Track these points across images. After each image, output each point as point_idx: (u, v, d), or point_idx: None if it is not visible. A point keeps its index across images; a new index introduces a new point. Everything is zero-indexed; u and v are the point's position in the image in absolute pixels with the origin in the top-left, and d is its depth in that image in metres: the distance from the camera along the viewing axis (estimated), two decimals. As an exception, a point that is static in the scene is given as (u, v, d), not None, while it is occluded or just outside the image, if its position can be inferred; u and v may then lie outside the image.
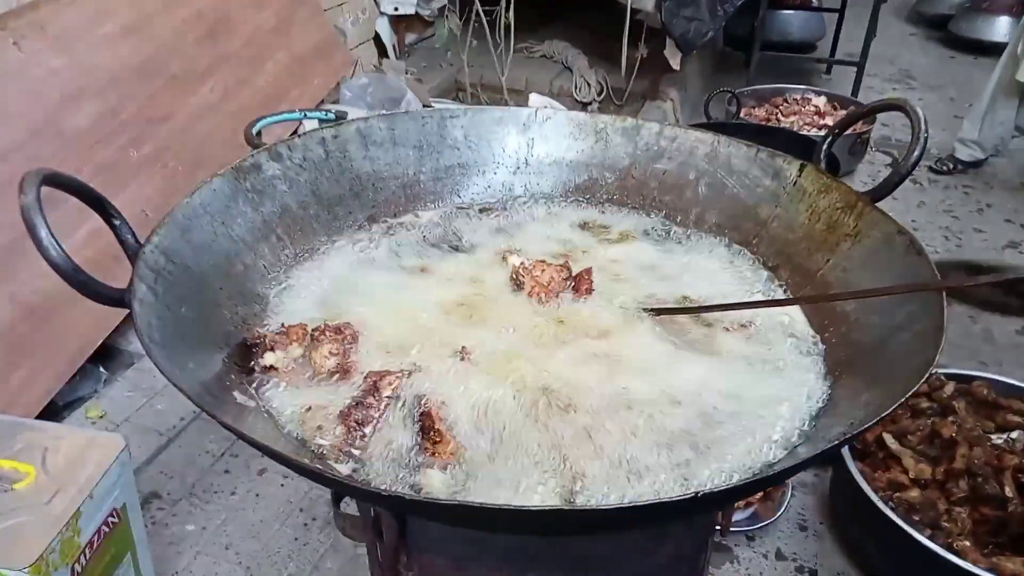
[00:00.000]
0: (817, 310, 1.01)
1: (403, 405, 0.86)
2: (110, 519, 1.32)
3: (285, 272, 1.07)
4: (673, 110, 4.03)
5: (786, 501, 2.02)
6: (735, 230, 1.18)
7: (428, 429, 0.82)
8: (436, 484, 0.78)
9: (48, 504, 1.23)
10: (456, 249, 1.15)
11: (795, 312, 1.04)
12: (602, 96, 4.10)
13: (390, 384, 0.86)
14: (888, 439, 1.86)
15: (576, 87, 4.07)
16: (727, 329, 1.00)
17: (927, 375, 0.71)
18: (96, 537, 1.28)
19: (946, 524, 1.69)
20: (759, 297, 1.07)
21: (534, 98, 3.31)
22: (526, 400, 0.86)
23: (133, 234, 0.89)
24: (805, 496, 2.10)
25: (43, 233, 0.74)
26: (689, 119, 3.98)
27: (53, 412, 1.93)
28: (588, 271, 1.05)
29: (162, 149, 2.13)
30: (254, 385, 0.88)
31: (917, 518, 1.70)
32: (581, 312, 1.00)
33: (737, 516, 2.01)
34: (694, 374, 0.92)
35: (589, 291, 1.03)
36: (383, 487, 0.60)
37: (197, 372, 0.81)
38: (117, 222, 0.88)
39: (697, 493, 0.58)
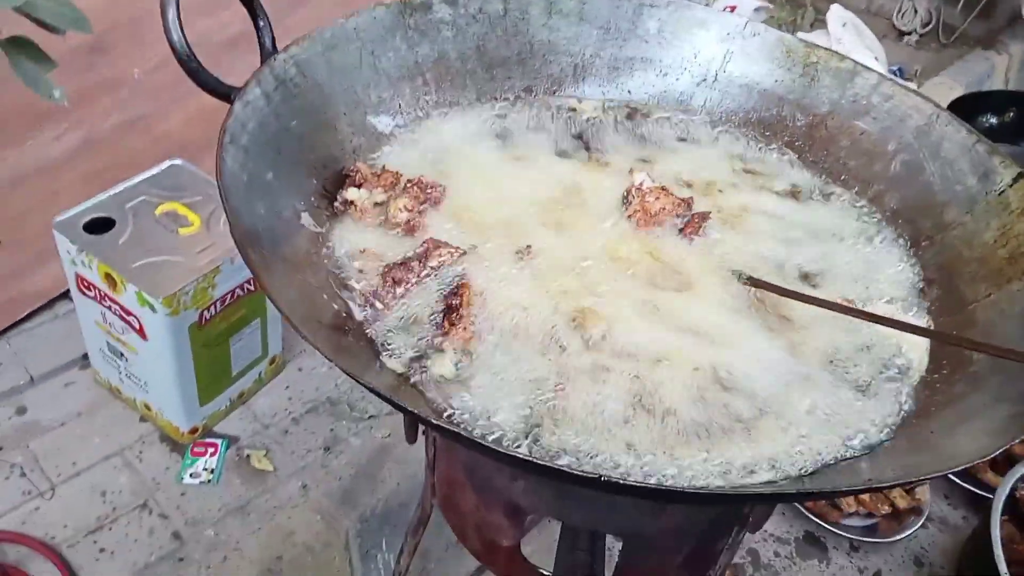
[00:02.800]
0: (943, 344, 0.85)
1: (443, 280, 0.85)
2: (247, 285, 1.48)
3: (416, 118, 1.07)
4: (1006, 67, 3.39)
5: (914, 528, 1.81)
6: (909, 224, 1.00)
7: (453, 309, 0.82)
8: (441, 368, 0.78)
9: (198, 254, 1.41)
10: (590, 148, 1.08)
11: (924, 341, 0.87)
12: (927, 28, 3.53)
13: (439, 256, 0.86)
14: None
15: (900, 11, 3.53)
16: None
17: (959, 466, 0.57)
18: (229, 296, 1.45)
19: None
20: (894, 309, 0.91)
21: (835, 9, 2.93)
22: (560, 322, 0.82)
23: (273, 40, 0.93)
24: (940, 533, 1.87)
25: (171, 14, 0.80)
26: (1018, 82, 3.33)
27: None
28: (704, 215, 0.95)
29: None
30: (328, 214, 0.92)
31: (1046, 612, 1.46)
32: (672, 254, 0.92)
33: (854, 521, 1.85)
34: (757, 357, 0.82)
35: (693, 235, 0.93)
36: (361, 376, 0.61)
37: (274, 184, 0.86)
38: (261, 23, 0.92)
39: (600, 476, 0.53)
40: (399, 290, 0.84)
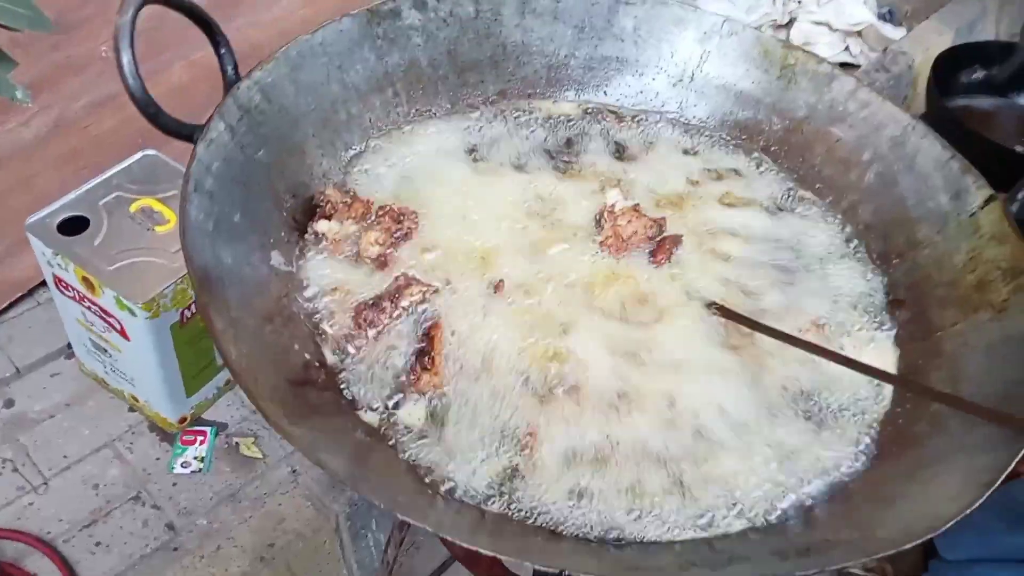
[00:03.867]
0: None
1: (415, 320, 0.86)
2: (227, 280, 1.46)
3: (388, 134, 1.05)
4: (998, 8, 3.31)
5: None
6: (881, 239, 1.00)
7: (426, 353, 0.83)
8: (413, 418, 0.80)
9: (174, 253, 1.40)
10: (564, 157, 1.07)
11: (888, 366, 0.89)
12: (919, -35, 3.42)
13: (411, 295, 0.86)
14: None
15: (892, -54, 3.42)
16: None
17: (916, 541, 0.59)
18: (209, 293, 1.44)
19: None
20: (858, 334, 0.92)
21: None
22: (531, 364, 0.83)
23: (235, 66, 0.91)
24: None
25: (126, 59, 0.77)
26: (1007, 31, 3.26)
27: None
28: (676, 239, 0.95)
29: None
30: (298, 248, 0.91)
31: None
32: (645, 283, 0.92)
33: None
34: (727, 394, 0.84)
35: (665, 260, 0.94)
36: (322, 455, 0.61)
37: (242, 226, 0.84)
38: (223, 51, 0.90)
39: (561, 572, 0.55)
40: (371, 332, 0.84)
